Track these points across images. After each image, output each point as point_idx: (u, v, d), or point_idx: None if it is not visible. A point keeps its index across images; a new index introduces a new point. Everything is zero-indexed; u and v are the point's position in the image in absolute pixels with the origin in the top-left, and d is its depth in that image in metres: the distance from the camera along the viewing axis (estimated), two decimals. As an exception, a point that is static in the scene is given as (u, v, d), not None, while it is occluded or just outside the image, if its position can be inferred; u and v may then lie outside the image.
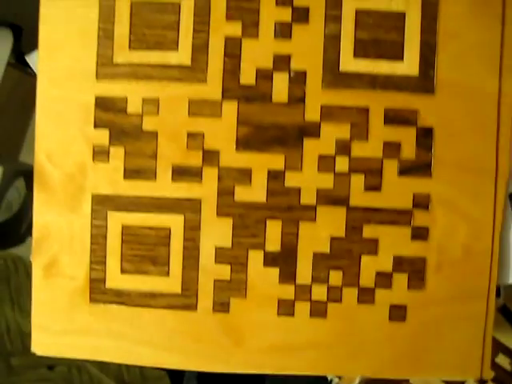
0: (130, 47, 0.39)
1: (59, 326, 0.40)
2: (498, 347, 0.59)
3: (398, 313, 0.39)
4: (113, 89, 0.39)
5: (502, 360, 0.59)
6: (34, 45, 0.44)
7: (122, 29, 0.39)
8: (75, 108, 0.39)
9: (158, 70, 0.38)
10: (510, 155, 0.39)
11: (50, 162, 0.39)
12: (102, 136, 0.39)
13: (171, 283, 0.39)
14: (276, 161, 0.38)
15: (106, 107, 0.39)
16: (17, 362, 0.98)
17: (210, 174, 0.38)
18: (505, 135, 0.39)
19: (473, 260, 0.39)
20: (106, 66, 0.39)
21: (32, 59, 0.45)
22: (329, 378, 0.66)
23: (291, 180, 0.38)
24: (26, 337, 0.97)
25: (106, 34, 0.39)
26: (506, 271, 0.40)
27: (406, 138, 0.38)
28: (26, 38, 0.70)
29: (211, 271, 0.39)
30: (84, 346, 0.40)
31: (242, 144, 0.38)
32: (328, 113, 0.38)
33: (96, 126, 0.39)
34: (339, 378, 0.63)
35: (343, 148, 0.38)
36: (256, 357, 0.39)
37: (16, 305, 0.98)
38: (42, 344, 0.40)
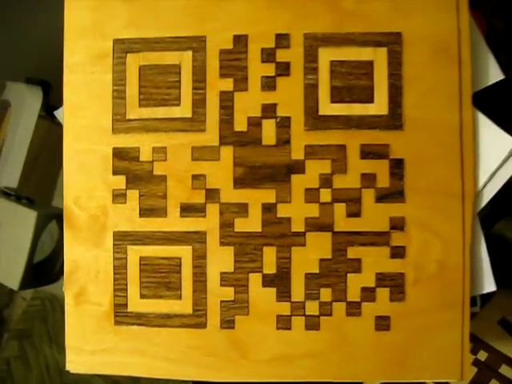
0: (139, 105, 0.45)
1: (89, 346, 0.46)
2: (501, 358, 0.63)
3: (382, 323, 0.44)
4: (127, 141, 0.45)
5: (505, 370, 0.62)
6: (61, 99, 0.51)
7: (132, 90, 0.45)
8: (96, 159, 0.45)
9: (165, 123, 0.45)
10: (474, 179, 0.44)
11: (76, 206, 0.45)
12: (120, 181, 0.45)
13: (184, 305, 0.45)
14: (268, 195, 0.44)
15: (122, 157, 0.45)
16: (56, 397, 1.03)
17: (213, 210, 0.44)
18: (468, 161, 0.44)
19: (447, 273, 0.44)
20: (120, 122, 0.45)
21: (59, 114, 0.51)
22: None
23: (282, 211, 0.44)
24: (64, 373, 1.02)
25: (119, 95, 0.45)
26: (479, 282, 0.45)
27: (381, 169, 0.44)
28: (54, 92, 0.76)
29: (217, 293, 0.44)
30: (111, 363, 0.45)
31: (239, 182, 0.44)
32: (311, 151, 0.44)
33: (114, 173, 0.45)
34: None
35: (326, 181, 0.44)
36: (260, 367, 0.44)
37: (54, 343, 1.03)
38: (75, 363, 0.46)
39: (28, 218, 0.67)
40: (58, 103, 0.52)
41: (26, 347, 1.05)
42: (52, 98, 0.77)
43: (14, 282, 0.68)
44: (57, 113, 0.52)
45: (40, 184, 0.78)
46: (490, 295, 0.63)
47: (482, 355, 0.62)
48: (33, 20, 0.82)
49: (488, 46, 0.47)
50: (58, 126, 0.74)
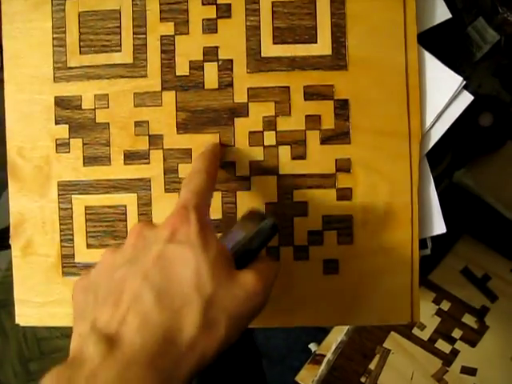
0: (80, 52, 0.44)
1: (38, 298, 0.45)
2: (464, 307, 0.63)
3: (330, 266, 0.43)
4: (69, 89, 0.44)
5: (468, 319, 0.63)
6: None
7: (72, 37, 0.44)
8: (38, 108, 0.45)
9: (106, 70, 0.44)
10: (420, 118, 0.43)
11: (20, 157, 0.45)
12: (63, 130, 0.45)
13: (130, 254, 0.44)
14: (212, 139, 0.43)
15: (64, 105, 0.44)
16: (35, 366, 1.04)
17: (157, 156, 0.44)
18: (414, 101, 0.43)
19: (395, 215, 0.43)
20: (61, 70, 0.44)
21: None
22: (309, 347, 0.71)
23: (226, 155, 0.43)
24: (42, 342, 1.03)
25: (59, 43, 0.44)
26: (429, 224, 0.45)
27: (325, 110, 0.43)
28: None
29: (164, 241, 0.44)
30: (61, 314, 0.45)
31: (182, 127, 0.44)
32: (254, 94, 0.43)
33: (57, 122, 0.45)
34: (318, 345, 0.67)
35: (270, 124, 0.43)
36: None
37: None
38: (25, 316, 0.46)
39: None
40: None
41: (3, 317, 1.05)
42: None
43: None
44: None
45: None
46: (452, 244, 0.63)
47: (445, 305, 0.62)
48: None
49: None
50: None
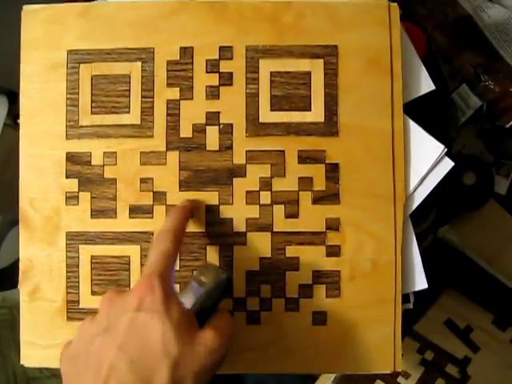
0: (91, 112, 0.48)
1: (43, 341, 0.48)
2: (447, 357, 0.66)
3: (319, 318, 0.46)
4: (79, 146, 0.48)
5: (451, 369, 0.65)
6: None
7: (85, 98, 0.48)
8: (50, 163, 0.48)
9: (115, 129, 0.47)
10: (404, 182, 0.47)
11: (31, 207, 0.48)
12: (72, 184, 0.48)
13: (132, 301, 0.47)
14: (212, 197, 0.47)
15: (75, 161, 0.48)
16: (23, 408, 1.04)
17: (160, 211, 0.47)
18: (399, 166, 0.47)
19: (380, 271, 0.46)
20: (73, 128, 0.48)
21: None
22: None
23: (225, 212, 0.47)
24: (32, 382, 1.03)
25: (72, 103, 0.48)
26: (411, 280, 0.48)
27: (317, 173, 0.47)
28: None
29: (164, 290, 0.47)
30: (64, 357, 0.48)
31: (184, 185, 0.47)
32: (252, 156, 0.47)
33: (67, 176, 0.48)
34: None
35: (265, 184, 0.47)
36: (204, 360, 0.47)
37: (21, 351, 1.04)
38: (29, 357, 0.48)
39: (-8, 222, 0.69)
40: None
41: (-7, 355, 1.06)
42: (18, 107, 0.79)
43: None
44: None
45: (5, 190, 0.80)
46: (436, 297, 0.65)
47: (429, 355, 0.65)
48: None
49: (427, 60, 0.50)
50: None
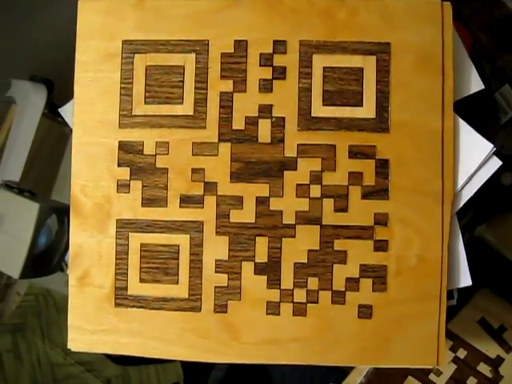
0: (145, 102, 0.48)
1: (90, 326, 0.48)
2: (479, 356, 0.66)
3: (365, 311, 0.47)
4: (132, 135, 0.48)
5: (483, 368, 0.66)
6: (64, 97, 0.54)
7: (138, 87, 0.48)
8: (102, 151, 0.49)
9: (168, 120, 0.48)
10: (453, 180, 0.47)
11: (83, 194, 0.49)
12: (124, 172, 0.48)
13: (180, 290, 0.48)
14: (262, 189, 0.47)
15: (127, 150, 0.48)
16: (47, 392, 1.05)
17: (210, 201, 0.48)
18: (448, 164, 0.47)
19: (426, 267, 0.47)
20: (126, 117, 0.48)
21: (65, 112, 0.54)
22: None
23: (275, 204, 0.47)
24: (55, 368, 1.04)
25: (126, 92, 0.49)
26: (456, 277, 0.49)
27: (367, 168, 0.47)
28: (57, 91, 0.79)
29: (212, 279, 0.48)
30: (110, 342, 0.48)
31: (235, 176, 0.48)
32: (303, 150, 0.47)
33: (119, 164, 0.48)
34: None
35: (316, 178, 0.47)
36: (249, 349, 0.47)
37: (46, 338, 1.05)
38: (77, 341, 0.49)
39: (30, 209, 0.70)
40: (61, 102, 0.55)
41: (19, 342, 1.07)
42: (55, 96, 0.80)
43: (15, 271, 0.70)
44: (62, 110, 0.55)
45: (40, 179, 0.81)
46: (470, 296, 0.66)
47: (462, 353, 0.65)
48: (38, 20, 0.85)
49: (470, 59, 0.50)
50: (59, 125, 0.78)
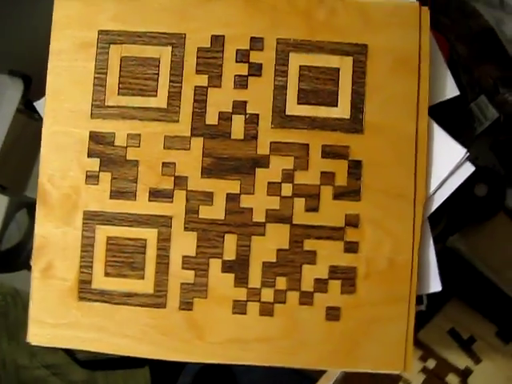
0: (118, 93, 0.48)
1: (52, 320, 0.47)
2: (448, 367, 0.66)
3: (333, 313, 0.46)
4: (104, 126, 0.48)
5: (451, 379, 0.65)
6: (41, 94, 0.53)
7: (112, 78, 0.48)
8: (72, 141, 0.48)
9: (141, 112, 0.47)
10: (425, 184, 0.47)
11: (50, 184, 0.48)
12: (94, 163, 0.47)
13: (145, 285, 0.47)
14: (233, 186, 0.47)
15: (98, 140, 0.48)
16: (10, 395, 1.03)
17: (180, 196, 0.47)
18: (421, 167, 0.47)
19: (396, 270, 0.46)
20: (99, 108, 0.48)
21: (40, 105, 0.53)
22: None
23: (245, 202, 0.47)
24: (21, 370, 1.02)
25: (100, 83, 0.48)
26: (426, 282, 0.48)
27: (340, 168, 0.47)
28: (34, 88, 0.78)
29: (178, 275, 0.47)
30: (72, 337, 0.47)
31: (206, 172, 0.47)
32: (276, 148, 0.47)
33: (89, 155, 0.48)
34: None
35: (288, 176, 0.47)
36: (214, 349, 0.46)
37: (13, 339, 1.03)
38: (37, 335, 0.47)
39: (-1, 203, 0.69)
40: (38, 99, 0.54)
41: (-14, 341, 1.05)
42: (32, 94, 0.79)
43: (-20, 266, 0.69)
44: (37, 104, 0.54)
45: (14, 175, 0.80)
46: (441, 305, 0.66)
47: (431, 363, 0.65)
48: (19, 15, 0.84)
49: (447, 65, 0.51)
50: (36, 122, 0.76)
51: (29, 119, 0.77)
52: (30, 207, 0.73)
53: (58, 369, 0.96)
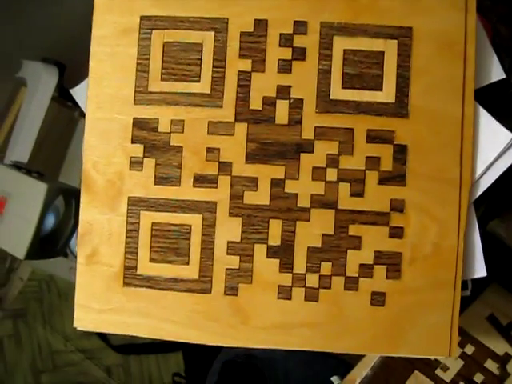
0: (161, 79, 0.48)
1: (97, 305, 0.48)
2: (487, 353, 0.65)
3: (378, 299, 0.46)
4: (147, 112, 0.48)
5: (490, 365, 0.65)
6: (75, 82, 0.53)
7: (155, 64, 0.48)
8: (116, 127, 0.48)
9: (184, 97, 0.47)
10: (471, 168, 0.47)
11: (94, 170, 0.48)
12: (138, 149, 0.48)
13: (191, 271, 0.47)
14: (278, 171, 0.47)
15: (141, 127, 0.48)
16: (47, 379, 1.05)
17: (224, 182, 0.47)
18: (467, 151, 0.46)
19: (441, 256, 0.46)
20: (142, 94, 0.48)
21: (76, 92, 0.54)
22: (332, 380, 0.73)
23: (290, 187, 0.47)
24: (56, 355, 1.04)
25: (142, 68, 0.48)
26: (471, 267, 0.48)
27: (385, 153, 0.46)
28: (68, 75, 0.79)
29: (224, 261, 0.47)
30: (117, 322, 0.48)
31: (251, 157, 0.47)
32: (320, 132, 0.47)
33: (133, 141, 0.48)
34: (341, 379, 0.69)
35: (333, 161, 0.46)
36: (259, 333, 0.47)
37: (48, 324, 1.05)
38: (83, 320, 0.48)
39: (38, 189, 0.70)
40: (72, 87, 0.54)
41: (20, 327, 1.07)
42: (65, 81, 0.79)
43: (20, 252, 0.70)
44: (73, 91, 0.54)
45: (48, 161, 0.81)
46: (480, 291, 0.65)
47: (469, 349, 0.64)
48: (52, 3, 0.84)
49: (492, 48, 0.50)
50: (69, 109, 0.77)
51: (62, 107, 0.78)
52: (67, 194, 0.74)
53: (92, 353, 0.98)
